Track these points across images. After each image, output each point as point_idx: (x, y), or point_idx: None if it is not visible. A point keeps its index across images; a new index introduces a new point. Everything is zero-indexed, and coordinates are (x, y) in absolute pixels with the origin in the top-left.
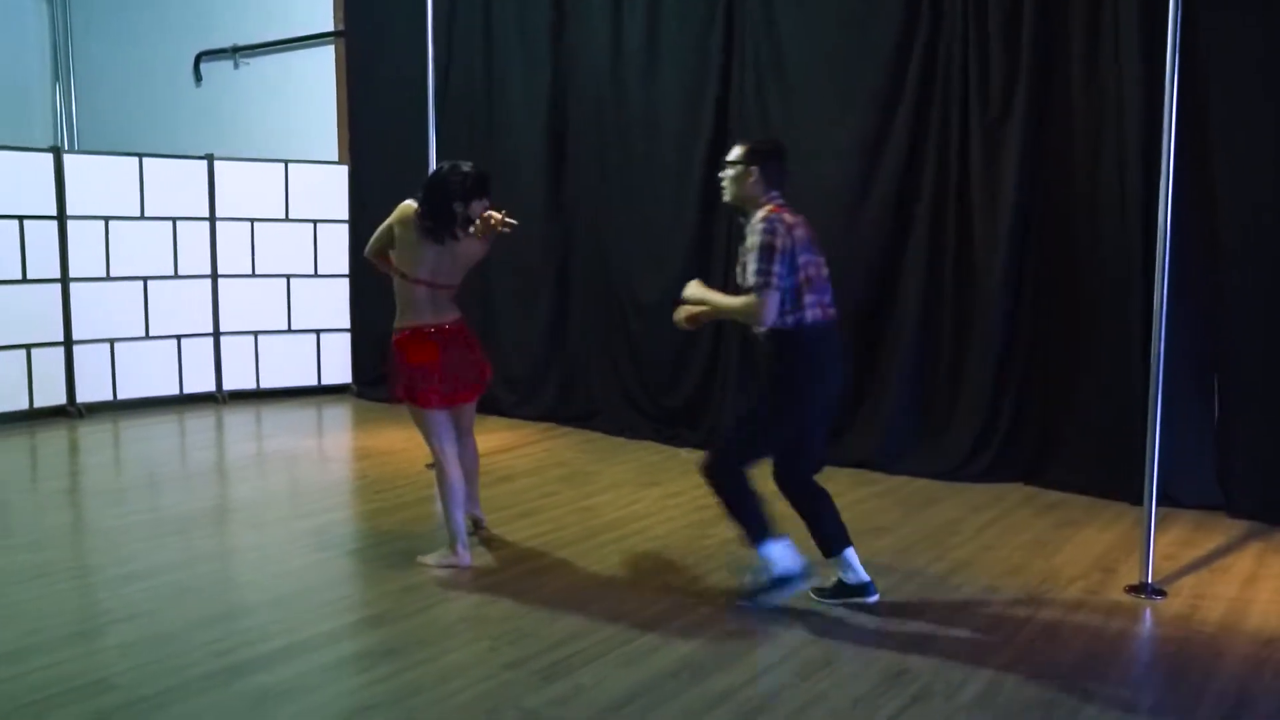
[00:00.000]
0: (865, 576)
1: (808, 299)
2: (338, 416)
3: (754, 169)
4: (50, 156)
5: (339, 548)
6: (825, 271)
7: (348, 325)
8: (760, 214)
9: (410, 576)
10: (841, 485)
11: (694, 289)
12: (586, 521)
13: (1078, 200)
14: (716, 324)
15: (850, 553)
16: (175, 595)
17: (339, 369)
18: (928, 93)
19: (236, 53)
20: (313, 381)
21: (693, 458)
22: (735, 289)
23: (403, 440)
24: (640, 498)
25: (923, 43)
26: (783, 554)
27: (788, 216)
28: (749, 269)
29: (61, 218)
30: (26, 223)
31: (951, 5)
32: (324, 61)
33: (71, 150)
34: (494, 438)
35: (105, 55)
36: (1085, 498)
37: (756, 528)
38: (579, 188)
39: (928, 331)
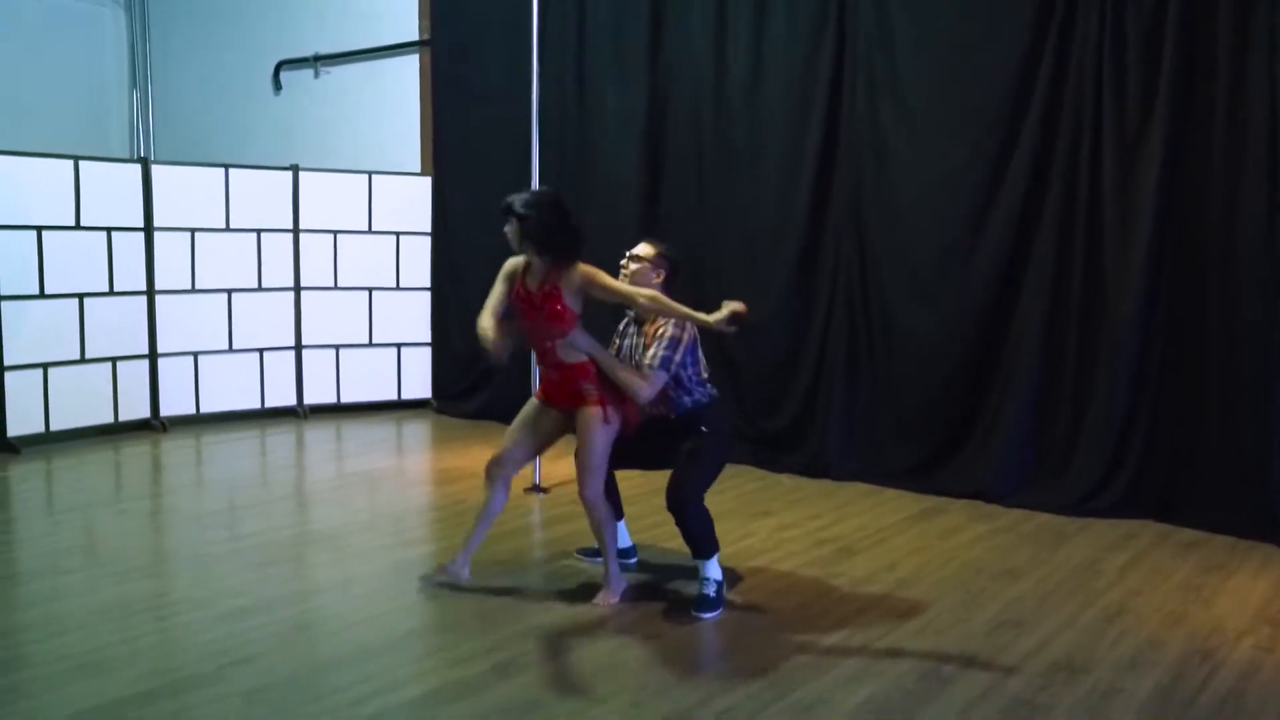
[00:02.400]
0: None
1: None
2: (420, 434)
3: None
4: (138, 167)
5: (450, 581)
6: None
7: (428, 339)
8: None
9: (529, 617)
10: (958, 519)
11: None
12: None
13: (1218, 221)
14: (820, 346)
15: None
16: (291, 634)
17: (419, 383)
18: (1055, 108)
19: (318, 61)
20: (392, 396)
21: (796, 484)
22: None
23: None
24: (752, 530)
25: (1051, 56)
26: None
27: None
28: (651, 352)
29: (149, 229)
30: (114, 234)
31: (1086, 17)
32: (407, 71)
33: (158, 161)
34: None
35: (183, 65)
36: (1225, 537)
37: (713, 543)
38: (674, 208)
39: (1050, 357)
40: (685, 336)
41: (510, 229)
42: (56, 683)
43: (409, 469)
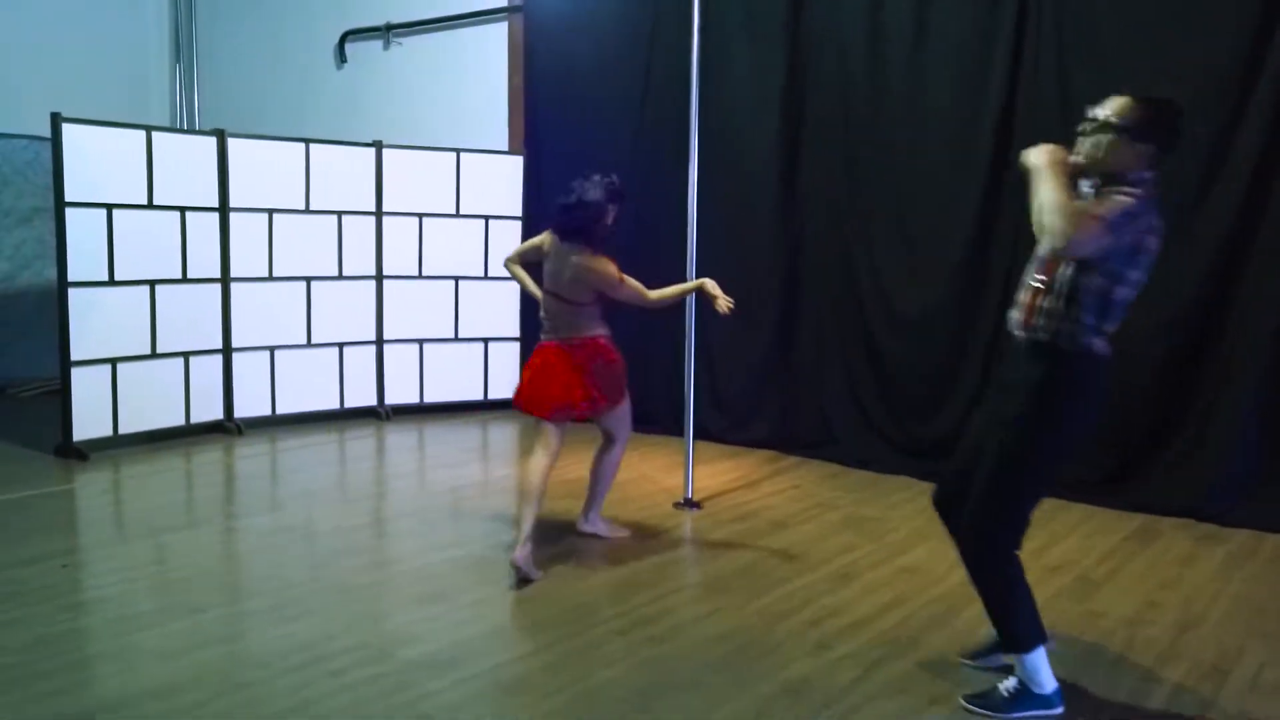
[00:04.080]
0: (1055, 682)
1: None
2: (513, 439)
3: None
4: (214, 140)
5: (634, 628)
6: None
7: (518, 334)
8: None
9: (759, 684)
10: (1182, 542)
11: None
12: (928, 589)
13: None
14: (989, 346)
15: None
16: (497, 693)
17: (505, 382)
18: None
19: (390, 31)
20: (478, 396)
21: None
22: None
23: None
24: None
25: None
26: (1046, 669)
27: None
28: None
29: (224, 209)
30: (188, 215)
31: None
32: (486, 42)
33: (235, 134)
34: (717, 468)
35: (232, 34)
36: None
37: (1032, 628)
38: (818, 187)
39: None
40: (1145, 225)
41: None
42: None
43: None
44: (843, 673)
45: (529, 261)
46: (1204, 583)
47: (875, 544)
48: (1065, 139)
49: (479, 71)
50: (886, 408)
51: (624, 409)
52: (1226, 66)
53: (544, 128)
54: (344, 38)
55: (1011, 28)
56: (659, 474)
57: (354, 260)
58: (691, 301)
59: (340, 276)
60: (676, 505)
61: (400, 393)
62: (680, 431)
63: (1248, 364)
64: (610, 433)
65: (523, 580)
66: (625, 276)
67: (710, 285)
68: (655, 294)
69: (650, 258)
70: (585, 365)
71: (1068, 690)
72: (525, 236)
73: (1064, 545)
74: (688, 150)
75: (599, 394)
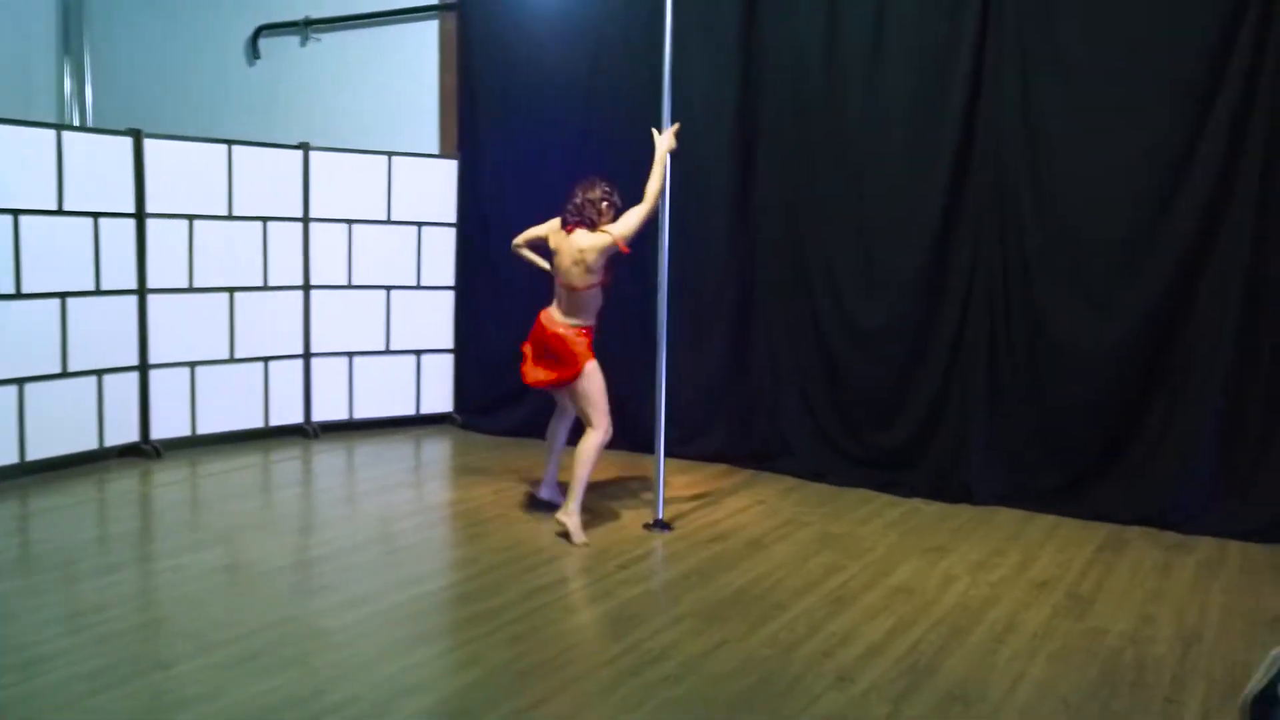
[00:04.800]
0: None
1: None
2: (449, 457)
3: None
4: (129, 141)
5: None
6: None
7: (451, 345)
8: None
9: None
10: (1153, 551)
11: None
12: (927, 611)
13: None
14: (951, 353)
15: None
16: None
17: (439, 395)
18: (1252, 84)
19: (309, 26)
20: (410, 410)
21: (937, 511)
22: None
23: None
24: (949, 572)
25: (1256, 21)
26: None
27: None
28: None
29: (140, 215)
30: (101, 221)
31: None
32: (414, 40)
33: (153, 135)
34: (673, 483)
35: (129, 24)
36: None
37: None
38: (773, 199)
39: (1243, 357)
40: None
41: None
42: None
43: (508, 497)
44: (874, 707)
45: (534, 246)
46: (1187, 594)
47: (857, 563)
48: (1030, 155)
49: (406, 71)
50: (840, 418)
51: (586, 387)
52: (1192, 73)
53: (482, 131)
54: (258, 32)
55: (973, 37)
56: (619, 492)
57: (279, 269)
58: (661, 304)
59: (265, 287)
60: (646, 527)
61: (328, 409)
62: (631, 446)
63: (1207, 371)
64: (578, 412)
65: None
66: (613, 229)
67: (670, 140)
68: (645, 204)
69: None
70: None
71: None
72: (460, 244)
73: (1043, 559)
74: (638, 156)
75: (558, 366)
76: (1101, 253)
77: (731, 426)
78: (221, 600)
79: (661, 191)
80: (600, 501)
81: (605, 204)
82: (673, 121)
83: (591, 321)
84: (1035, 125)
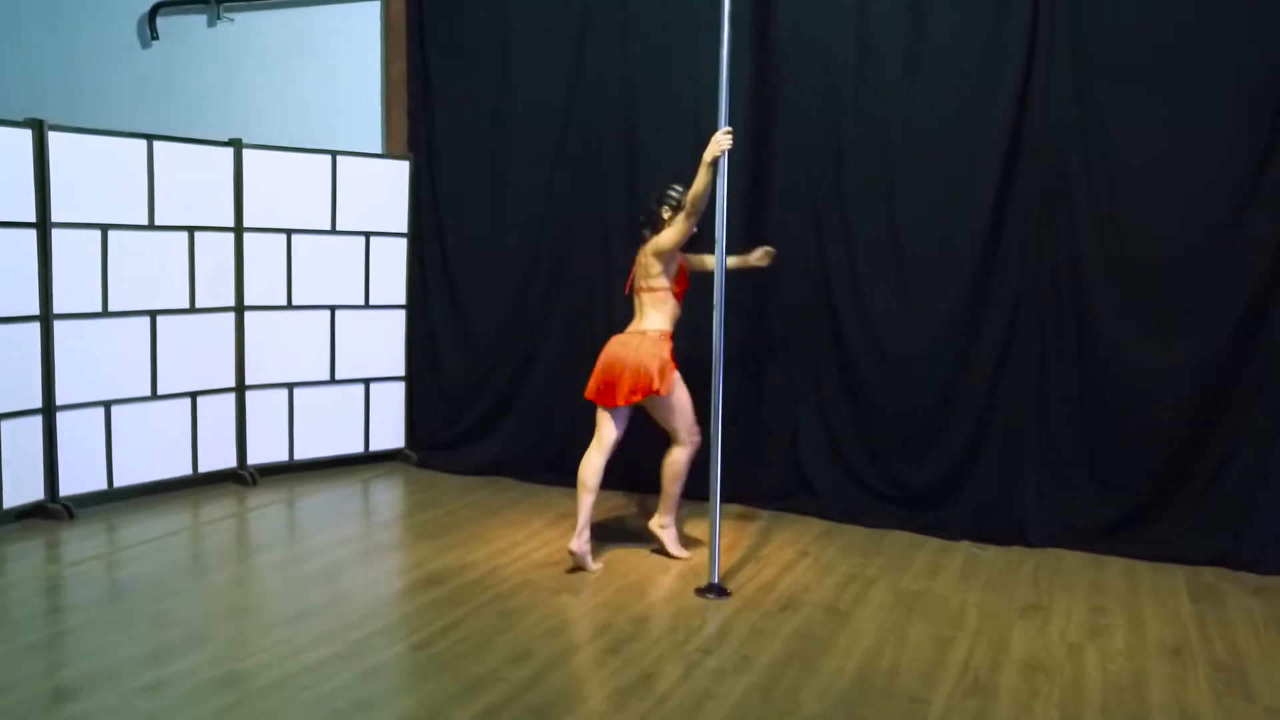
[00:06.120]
0: None
1: None
2: (426, 504)
3: None
4: (28, 134)
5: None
6: None
7: (402, 372)
8: None
9: None
10: (1244, 598)
11: None
12: (1082, 694)
13: None
14: (992, 382)
15: None
16: None
17: (391, 431)
18: None
19: (220, 4)
20: (358, 448)
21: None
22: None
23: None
24: (1069, 638)
25: None
26: None
27: None
28: None
29: (43, 225)
30: None
31: None
32: (349, 26)
33: (58, 127)
34: (692, 530)
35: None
36: None
37: None
38: (788, 218)
39: None
40: None
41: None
42: None
43: (518, 555)
44: None
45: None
46: None
47: (961, 632)
48: (1084, 167)
49: (340, 59)
50: (868, 453)
51: (670, 402)
52: (1271, 79)
53: (439, 127)
54: (155, 9)
55: (1022, 40)
56: (630, 544)
57: (209, 288)
58: (717, 328)
59: (192, 309)
60: (699, 592)
61: (266, 450)
62: (628, 486)
63: (1277, 398)
64: (665, 427)
65: (577, 568)
66: (669, 234)
67: (715, 144)
68: (683, 212)
69: (596, 272)
70: (633, 355)
71: None
72: (413, 256)
73: (1147, 616)
74: (627, 159)
75: (635, 386)
76: (1164, 270)
77: (742, 463)
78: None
79: (702, 199)
80: (623, 558)
81: (662, 207)
82: (728, 124)
83: (662, 327)
84: (1093, 128)
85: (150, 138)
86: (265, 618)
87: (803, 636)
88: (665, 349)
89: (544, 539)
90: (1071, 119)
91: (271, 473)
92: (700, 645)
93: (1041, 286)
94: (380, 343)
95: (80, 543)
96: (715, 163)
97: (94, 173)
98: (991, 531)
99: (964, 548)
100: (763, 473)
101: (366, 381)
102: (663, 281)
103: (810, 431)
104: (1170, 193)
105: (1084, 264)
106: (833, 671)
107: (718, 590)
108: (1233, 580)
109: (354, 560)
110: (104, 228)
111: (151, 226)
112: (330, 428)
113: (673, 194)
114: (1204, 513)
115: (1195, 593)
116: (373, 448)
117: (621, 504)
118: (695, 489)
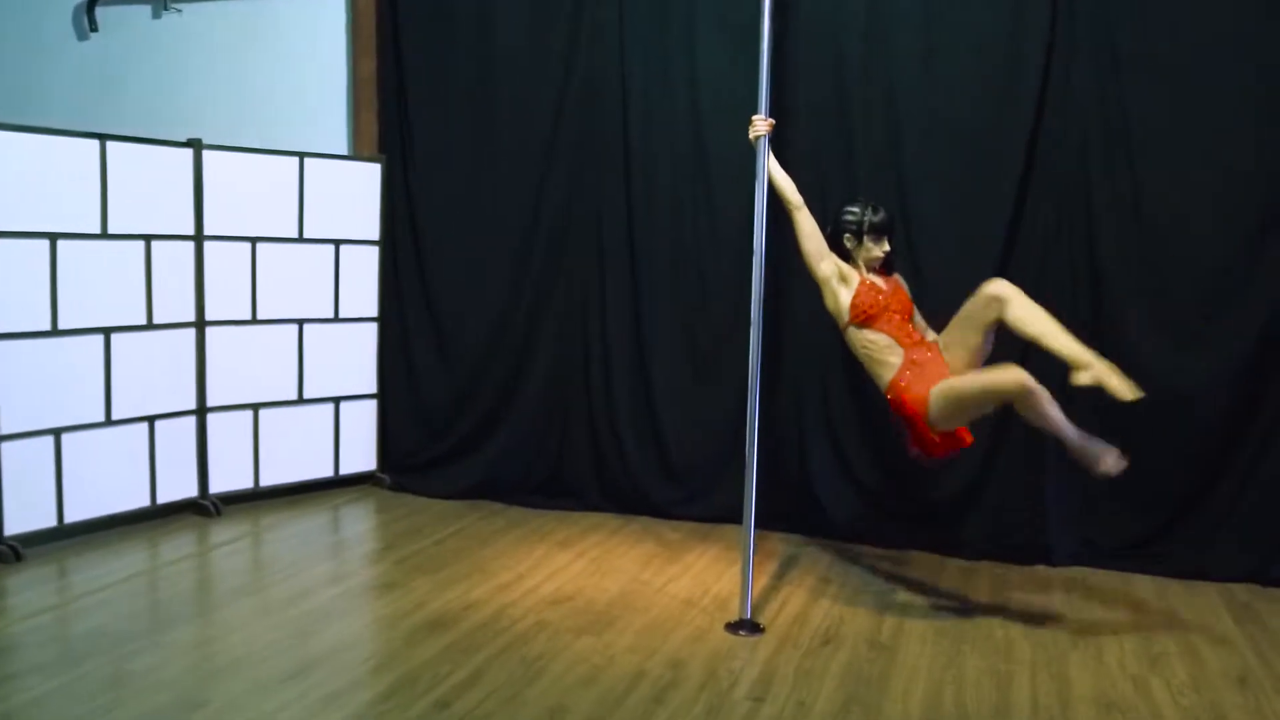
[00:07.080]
0: None
1: None
2: (412, 533)
3: None
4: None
5: None
6: None
7: (374, 389)
8: None
9: None
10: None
11: None
12: None
13: None
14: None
15: None
16: None
17: (362, 452)
18: None
19: None
20: (328, 472)
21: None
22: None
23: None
24: (1159, 678)
25: None
26: None
27: None
28: None
29: None
30: None
31: None
32: (311, 19)
33: (4, 126)
34: (701, 557)
35: None
36: None
37: None
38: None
39: None
40: None
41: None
42: None
43: (523, 591)
44: None
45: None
46: None
47: (1019, 667)
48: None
49: (300, 56)
50: (880, 469)
51: (951, 395)
52: None
53: (415, 127)
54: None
55: (1041, 40)
56: (635, 573)
57: (167, 302)
58: (757, 337)
59: (149, 325)
60: (730, 628)
61: (230, 476)
62: (619, 508)
63: None
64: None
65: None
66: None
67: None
68: (794, 201)
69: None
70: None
71: None
72: (386, 266)
73: (1198, 641)
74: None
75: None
76: (1191, 278)
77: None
78: None
79: (773, 185)
80: (637, 592)
81: (843, 236)
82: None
83: (874, 370)
84: (1118, 130)
85: (104, 138)
86: (262, 675)
87: (854, 676)
88: (901, 387)
89: (548, 571)
90: (1094, 121)
91: (235, 500)
92: (749, 692)
93: (1063, 294)
94: (351, 358)
95: (30, 591)
96: (757, 142)
97: (40, 175)
98: (1012, 549)
99: (987, 569)
100: (773, 493)
101: (336, 400)
102: (844, 315)
103: (819, 449)
104: (1197, 200)
105: (1107, 271)
106: (898, 717)
107: (750, 626)
108: (1265, 598)
109: (346, 601)
110: (52, 236)
111: (105, 235)
112: (298, 451)
113: (846, 218)
114: (1233, 528)
115: (1234, 613)
116: (343, 471)
117: (623, 525)
118: (700, 511)
